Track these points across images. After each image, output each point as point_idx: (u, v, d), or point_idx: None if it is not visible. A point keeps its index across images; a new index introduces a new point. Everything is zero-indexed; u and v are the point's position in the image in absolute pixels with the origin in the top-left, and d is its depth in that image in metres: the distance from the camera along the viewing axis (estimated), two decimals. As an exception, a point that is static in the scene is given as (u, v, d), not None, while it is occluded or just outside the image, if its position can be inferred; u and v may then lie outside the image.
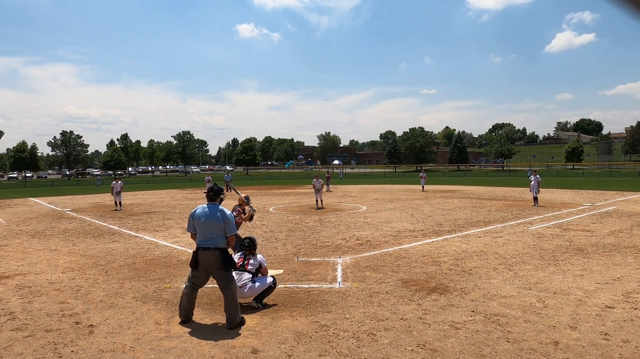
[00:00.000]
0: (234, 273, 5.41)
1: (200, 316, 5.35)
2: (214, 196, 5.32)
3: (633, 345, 4.28)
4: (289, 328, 4.89)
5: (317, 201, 19.23)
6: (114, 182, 20.01)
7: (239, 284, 5.50)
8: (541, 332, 4.66)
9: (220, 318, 5.25)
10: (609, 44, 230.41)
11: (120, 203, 19.70)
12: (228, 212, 5.26)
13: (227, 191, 31.59)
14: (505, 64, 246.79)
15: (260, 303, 5.69)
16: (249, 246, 5.91)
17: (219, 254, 5.06)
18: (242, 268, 5.73)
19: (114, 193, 19.69)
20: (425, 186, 29.97)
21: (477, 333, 4.65)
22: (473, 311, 5.33)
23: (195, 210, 5.25)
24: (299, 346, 4.41)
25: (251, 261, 5.83)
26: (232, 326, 4.96)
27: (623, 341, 4.37)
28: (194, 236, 5.25)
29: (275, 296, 6.09)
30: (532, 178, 18.12)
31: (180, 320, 5.18)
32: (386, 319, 5.11)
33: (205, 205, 5.26)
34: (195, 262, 5.14)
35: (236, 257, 5.91)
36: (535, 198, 18.05)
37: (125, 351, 4.34)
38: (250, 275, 5.70)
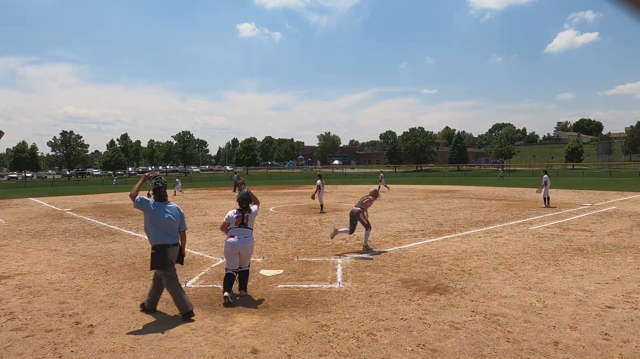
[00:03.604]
0: (236, 230, 6.08)
1: (200, 316, 5.36)
2: (166, 195, 5.69)
3: (633, 345, 4.28)
4: (289, 328, 4.88)
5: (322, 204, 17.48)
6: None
7: (245, 238, 6.07)
8: (541, 332, 4.66)
9: (221, 318, 5.25)
10: (610, 44, 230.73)
11: None
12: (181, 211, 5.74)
13: (234, 191, 31.61)
14: (507, 64, 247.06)
15: (245, 291, 6.20)
16: (245, 202, 6.26)
17: (178, 249, 5.52)
18: (243, 225, 6.15)
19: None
20: (425, 187, 29.99)
21: (477, 333, 4.65)
22: (473, 311, 5.33)
23: (150, 202, 5.53)
24: (299, 346, 4.41)
25: (250, 216, 6.23)
26: (187, 311, 5.24)
27: (623, 341, 4.37)
28: (132, 196, 5.47)
29: (275, 296, 6.10)
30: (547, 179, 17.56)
31: (145, 308, 5.48)
32: (386, 319, 5.11)
33: (161, 203, 5.56)
34: (165, 259, 5.34)
35: (234, 215, 6.19)
36: (545, 198, 17.60)
37: (125, 351, 4.34)
38: (251, 230, 6.24)
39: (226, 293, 5.81)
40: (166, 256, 5.35)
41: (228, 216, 6.23)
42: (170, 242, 5.40)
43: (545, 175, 17.82)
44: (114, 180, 49.32)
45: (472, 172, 71.04)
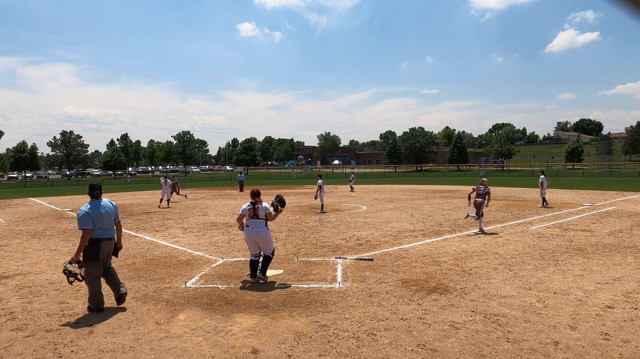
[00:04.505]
0: (250, 221, 6.79)
1: (200, 316, 5.36)
2: (100, 193, 5.92)
3: (633, 345, 4.28)
4: (289, 328, 4.89)
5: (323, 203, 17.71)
6: (163, 179, 21.05)
7: (259, 229, 6.78)
8: (541, 332, 4.66)
9: (221, 318, 5.25)
10: (611, 44, 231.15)
11: (168, 200, 20.82)
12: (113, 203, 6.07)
13: (240, 191, 31.32)
14: (507, 64, 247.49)
15: (264, 275, 6.80)
16: (256, 194, 6.95)
17: (113, 242, 5.83)
18: (255, 217, 6.82)
19: (163, 190, 20.71)
20: (425, 187, 29.99)
21: (477, 333, 4.65)
22: (473, 311, 5.33)
23: (88, 209, 5.61)
24: (299, 346, 4.41)
25: (260, 208, 6.85)
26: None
27: (623, 341, 4.37)
28: (88, 233, 5.51)
29: (275, 296, 6.10)
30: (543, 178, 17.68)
31: (95, 309, 5.58)
32: (386, 319, 5.11)
33: (96, 201, 5.77)
34: (97, 253, 5.57)
35: (247, 208, 6.89)
36: (544, 199, 17.76)
37: (125, 351, 4.34)
38: (264, 221, 6.87)
39: (251, 279, 6.82)
40: (99, 250, 5.60)
41: (242, 208, 6.96)
42: (104, 236, 5.66)
43: (542, 176, 17.85)
44: (127, 178, 49.81)
45: (472, 172, 70.99)
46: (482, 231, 11.41)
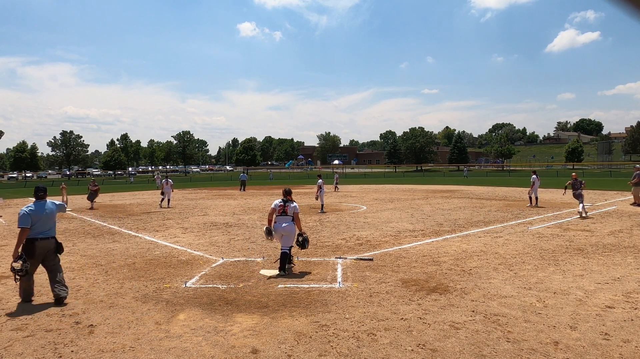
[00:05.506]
0: (279, 217, 7.40)
1: (200, 316, 5.36)
2: (44, 195, 6.15)
3: (633, 345, 4.28)
4: (289, 328, 4.88)
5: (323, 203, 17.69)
6: (164, 180, 20.95)
7: (284, 224, 7.33)
8: (541, 332, 4.66)
9: (221, 318, 5.25)
10: (611, 43, 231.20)
11: (169, 200, 20.57)
12: (58, 202, 6.33)
13: (241, 190, 31.29)
14: (507, 64, 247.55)
15: (284, 271, 7.19)
16: (288, 193, 7.59)
17: (54, 241, 6.03)
18: (284, 214, 7.43)
19: (164, 190, 20.57)
20: (425, 187, 29.97)
21: (477, 333, 4.65)
22: (473, 311, 5.33)
23: (29, 210, 5.88)
24: (299, 346, 4.41)
25: (289, 207, 7.44)
26: (65, 298, 5.87)
27: (623, 341, 4.37)
28: (26, 231, 5.76)
29: (275, 296, 6.10)
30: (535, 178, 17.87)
31: (23, 300, 5.93)
32: (386, 319, 5.11)
33: (39, 202, 6.01)
34: (33, 252, 5.80)
35: (279, 203, 7.49)
36: (533, 198, 17.89)
37: (125, 351, 4.34)
38: (291, 217, 7.41)
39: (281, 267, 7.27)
40: (34, 249, 5.81)
41: (275, 203, 7.56)
42: (39, 236, 5.86)
43: (534, 175, 17.93)
44: (130, 177, 50.18)
45: (472, 172, 70.97)
46: (584, 210, 14.12)
